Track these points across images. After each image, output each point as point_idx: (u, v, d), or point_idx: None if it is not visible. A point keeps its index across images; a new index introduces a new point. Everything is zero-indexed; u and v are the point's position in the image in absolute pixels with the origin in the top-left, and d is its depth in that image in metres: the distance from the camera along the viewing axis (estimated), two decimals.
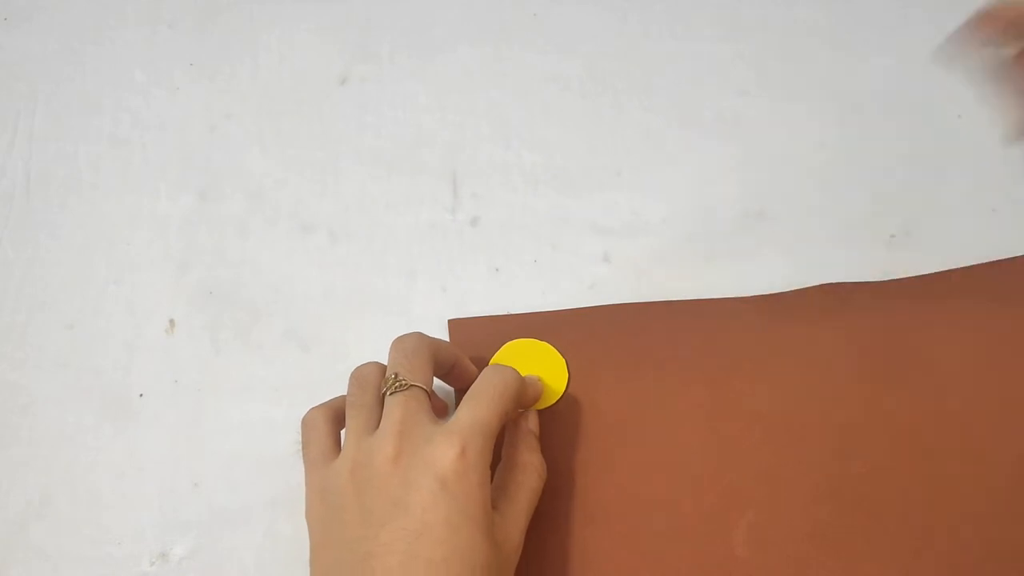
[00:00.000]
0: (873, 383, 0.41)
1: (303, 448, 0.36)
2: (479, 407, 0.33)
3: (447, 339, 0.43)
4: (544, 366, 0.42)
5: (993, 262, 0.44)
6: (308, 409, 0.37)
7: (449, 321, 0.43)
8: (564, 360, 0.42)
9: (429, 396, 0.35)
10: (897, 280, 0.43)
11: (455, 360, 0.38)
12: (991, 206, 0.46)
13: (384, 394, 0.34)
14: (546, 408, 0.41)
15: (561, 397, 0.41)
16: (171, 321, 0.44)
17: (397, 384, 0.34)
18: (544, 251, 0.46)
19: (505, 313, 0.44)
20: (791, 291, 0.42)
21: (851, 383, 0.41)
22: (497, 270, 0.45)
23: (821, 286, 0.43)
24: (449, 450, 0.31)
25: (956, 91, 0.50)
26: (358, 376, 0.36)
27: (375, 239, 0.46)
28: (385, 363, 0.37)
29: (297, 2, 0.53)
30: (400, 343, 0.36)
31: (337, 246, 0.46)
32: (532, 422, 0.37)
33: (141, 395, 0.43)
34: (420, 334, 0.37)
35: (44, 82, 0.51)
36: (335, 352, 0.43)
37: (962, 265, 0.44)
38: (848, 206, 0.46)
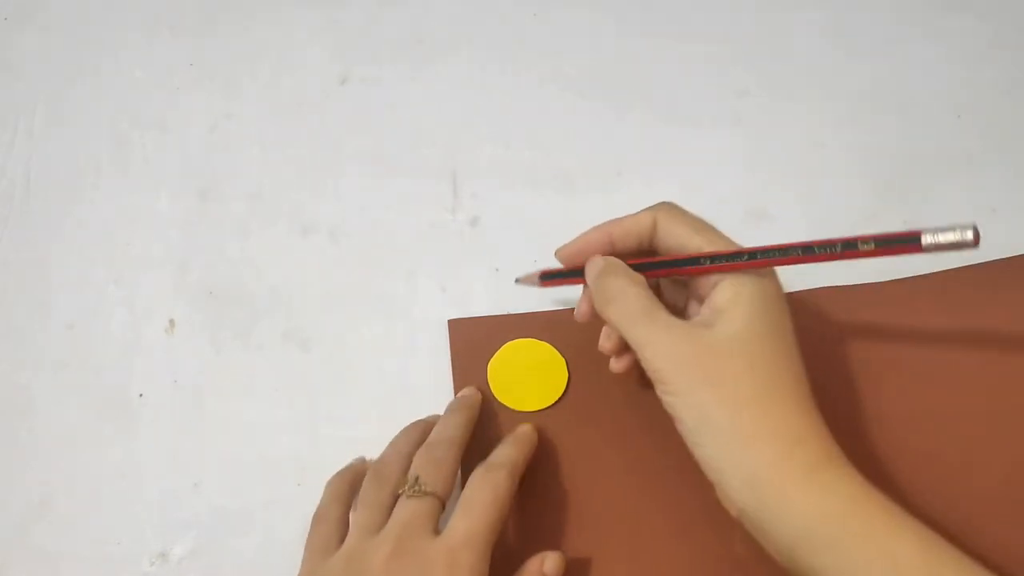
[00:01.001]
0: (873, 382, 0.41)
1: (309, 537, 0.36)
2: (472, 519, 0.33)
3: (447, 339, 0.43)
4: (544, 366, 0.42)
5: (992, 261, 0.43)
6: (330, 478, 0.37)
7: (449, 321, 0.43)
8: (564, 360, 0.42)
9: (443, 506, 0.35)
10: (897, 280, 0.43)
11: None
12: (991, 206, 0.46)
13: (400, 494, 0.34)
14: (546, 408, 0.41)
15: (561, 397, 0.41)
16: (171, 321, 0.44)
17: (415, 489, 0.34)
18: (544, 251, 0.45)
19: (505, 313, 0.44)
20: (791, 292, 0.42)
21: (851, 383, 0.41)
22: (497, 270, 0.45)
23: (821, 288, 0.43)
24: (439, 567, 0.31)
25: (956, 91, 0.50)
26: (378, 471, 0.36)
27: (375, 239, 0.46)
28: (402, 446, 0.37)
29: (297, 3, 0.53)
30: (432, 448, 0.36)
31: (337, 246, 0.46)
32: (550, 565, 0.35)
33: (141, 395, 0.43)
34: (454, 441, 0.37)
35: (44, 82, 0.51)
36: (335, 352, 0.43)
37: (962, 265, 0.44)
38: (848, 206, 0.46)
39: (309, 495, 0.40)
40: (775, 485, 0.30)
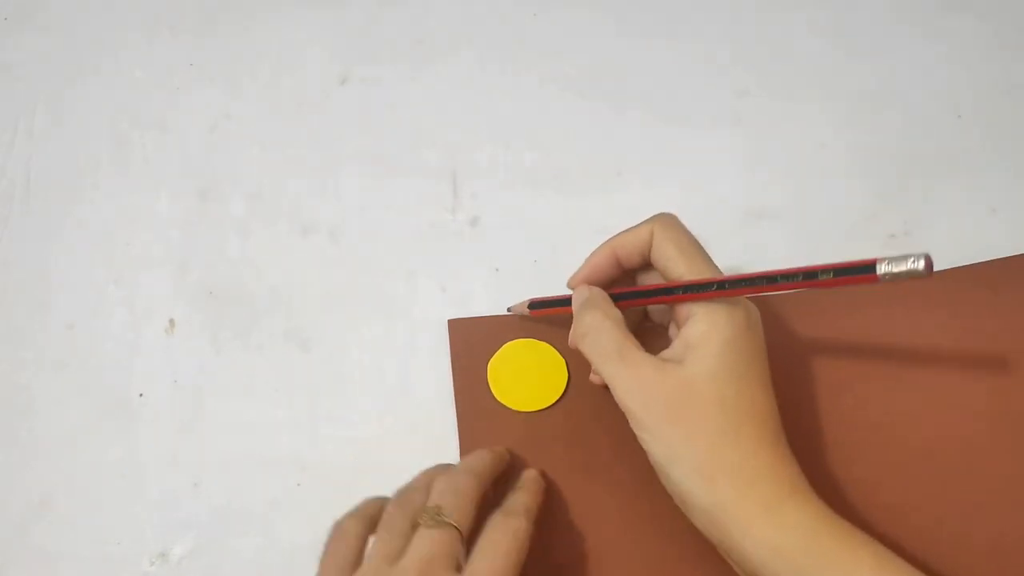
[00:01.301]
0: (870, 381, 0.41)
1: (324, 554, 0.35)
2: (494, 562, 0.33)
3: (447, 339, 0.43)
4: (544, 366, 0.42)
5: (992, 261, 0.44)
6: (343, 515, 0.36)
7: (449, 321, 0.43)
8: (564, 360, 0.42)
9: (463, 539, 0.34)
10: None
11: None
12: (991, 206, 0.46)
13: (419, 524, 0.34)
14: (546, 408, 0.41)
15: (561, 397, 0.41)
16: (171, 321, 0.44)
17: (436, 518, 0.33)
18: (544, 251, 0.46)
19: (505, 313, 0.44)
20: (791, 292, 0.42)
21: (849, 383, 0.41)
22: (497, 270, 0.45)
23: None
24: None
25: (956, 91, 0.50)
26: (401, 499, 0.36)
27: (375, 239, 0.46)
28: (429, 477, 0.37)
29: (297, 3, 0.53)
30: (454, 479, 0.36)
31: (337, 246, 0.46)
32: None
33: (141, 395, 0.43)
34: (478, 474, 0.36)
35: (44, 82, 0.51)
36: (335, 352, 0.43)
37: (961, 265, 0.44)
38: (848, 206, 0.46)
39: (309, 495, 0.41)
40: (736, 521, 0.32)
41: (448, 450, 0.41)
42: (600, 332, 0.35)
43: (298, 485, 0.41)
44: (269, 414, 0.42)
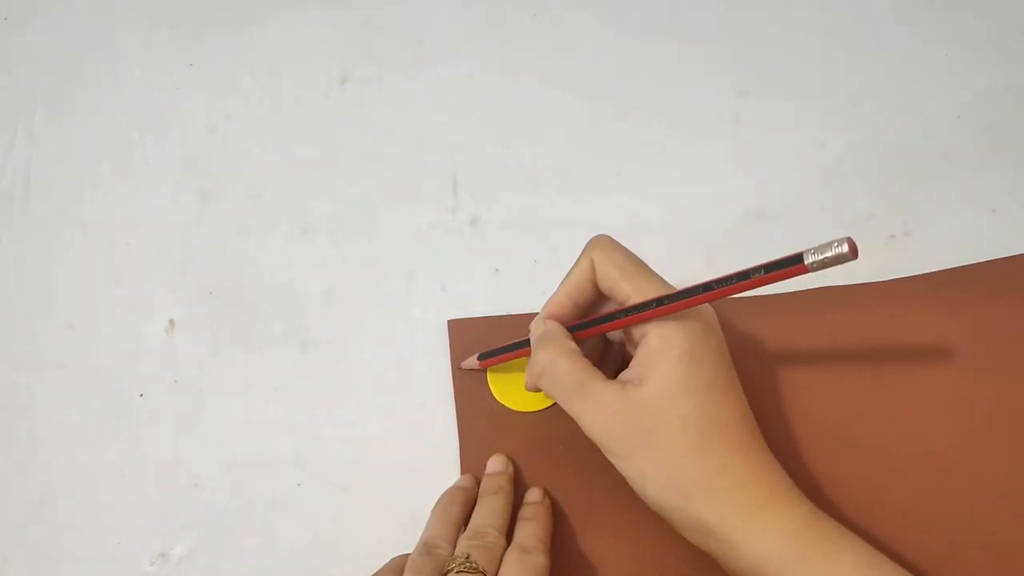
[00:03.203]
0: (870, 381, 0.41)
1: None
2: None
3: (447, 339, 0.43)
4: None
5: (992, 261, 0.44)
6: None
7: (449, 321, 0.43)
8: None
9: None
10: (896, 280, 0.43)
11: None
12: (991, 206, 0.46)
13: (448, 571, 0.33)
14: (545, 408, 0.41)
15: None
16: (171, 321, 0.44)
17: (466, 566, 0.33)
18: (544, 251, 0.46)
19: (505, 313, 0.44)
20: (791, 292, 0.42)
21: (850, 383, 0.41)
22: (497, 270, 0.45)
23: (821, 288, 0.43)
24: None
25: (956, 91, 0.50)
26: (427, 546, 0.35)
27: (375, 239, 0.46)
28: (455, 517, 0.37)
29: (297, 3, 0.53)
30: (481, 536, 0.35)
31: (337, 246, 0.46)
32: None
33: (141, 395, 0.43)
34: (502, 529, 0.36)
35: (44, 82, 0.51)
36: (335, 352, 0.43)
37: (961, 265, 0.44)
38: (848, 206, 0.46)
39: (309, 495, 0.41)
40: (720, 531, 0.32)
41: (448, 450, 0.41)
42: (556, 369, 0.34)
43: (298, 485, 0.41)
44: (269, 414, 0.42)
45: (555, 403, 0.41)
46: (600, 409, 0.33)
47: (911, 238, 0.45)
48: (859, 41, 0.52)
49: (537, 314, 0.38)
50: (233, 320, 0.44)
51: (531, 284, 0.45)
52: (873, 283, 0.43)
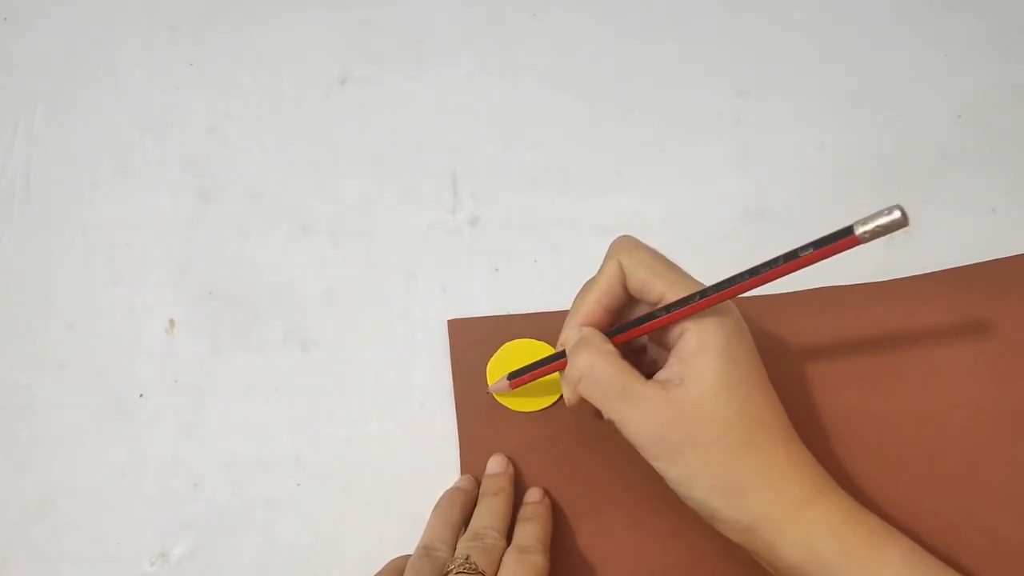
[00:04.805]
0: (871, 381, 0.41)
1: None
2: None
3: (447, 339, 0.43)
4: None
5: (992, 261, 0.44)
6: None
7: (449, 321, 0.43)
8: (564, 360, 0.42)
9: None
10: (897, 280, 0.43)
11: None
12: (991, 206, 0.46)
13: (447, 572, 0.34)
14: (545, 408, 0.41)
15: (561, 397, 0.41)
16: (171, 321, 0.44)
17: (466, 567, 0.33)
18: (544, 251, 0.46)
19: (505, 313, 0.44)
20: (791, 292, 0.42)
21: (850, 382, 0.41)
22: (497, 270, 0.45)
23: (821, 288, 0.43)
24: None
25: (956, 91, 0.50)
26: (427, 546, 0.35)
27: (375, 239, 0.46)
28: (455, 520, 0.37)
29: (297, 3, 0.53)
30: (481, 538, 0.35)
31: (337, 246, 0.46)
32: None
33: (141, 395, 0.43)
34: (502, 531, 0.36)
35: (44, 82, 0.51)
36: (335, 352, 0.43)
37: (961, 265, 0.44)
38: (848, 206, 0.46)
39: (309, 495, 0.41)
40: (765, 528, 0.32)
41: (448, 450, 0.41)
42: (595, 372, 0.33)
43: (298, 485, 0.41)
44: (269, 414, 0.42)
45: (555, 403, 0.41)
46: (645, 413, 0.32)
47: (911, 238, 0.45)
48: (859, 41, 0.52)
49: (563, 329, 0.36)
50: (233, 320, 0.44)
51: (531, 284, 0.45)
52: (873, 283, 0.43)
